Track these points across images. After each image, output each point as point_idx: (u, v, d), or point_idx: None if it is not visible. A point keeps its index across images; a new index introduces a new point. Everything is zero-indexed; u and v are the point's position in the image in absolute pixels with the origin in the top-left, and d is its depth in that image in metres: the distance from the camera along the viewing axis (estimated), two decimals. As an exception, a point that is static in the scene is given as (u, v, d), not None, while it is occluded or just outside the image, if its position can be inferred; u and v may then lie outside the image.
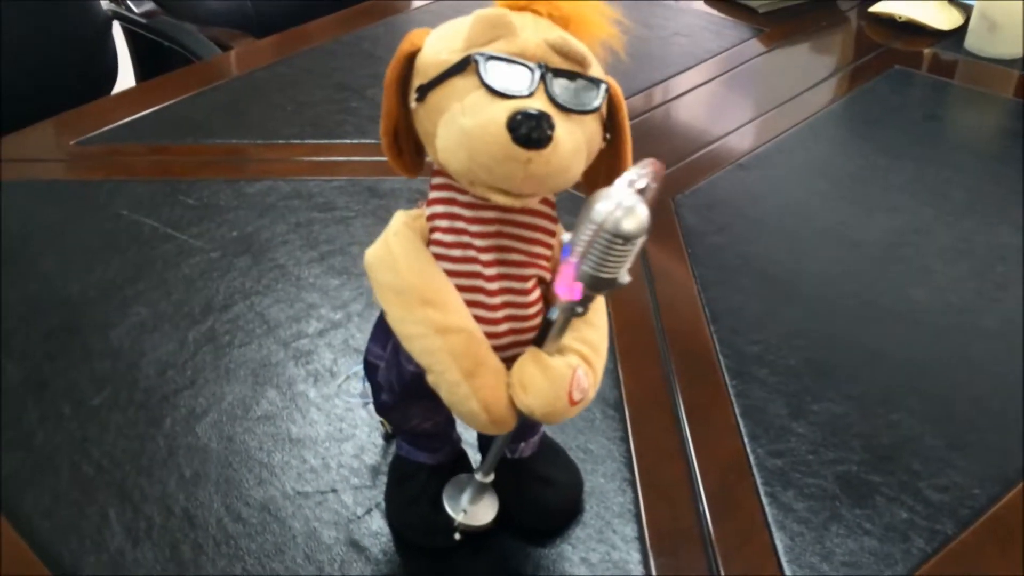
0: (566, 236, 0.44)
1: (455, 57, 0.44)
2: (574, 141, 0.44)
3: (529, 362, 0.47)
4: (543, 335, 0.48)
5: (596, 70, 0.46)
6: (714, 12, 1.33)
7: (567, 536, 0.59)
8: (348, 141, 1.01)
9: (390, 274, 0.47)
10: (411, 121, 0.47)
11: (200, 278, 0.80)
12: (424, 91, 0.45)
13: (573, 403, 0.47)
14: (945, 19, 1.24)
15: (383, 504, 0.60)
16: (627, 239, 0.42)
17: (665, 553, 0.58)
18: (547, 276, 0.49)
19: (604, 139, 0.47)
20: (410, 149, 0.49)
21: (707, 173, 0.95)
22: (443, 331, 0.46)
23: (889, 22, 1.27)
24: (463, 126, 0.43)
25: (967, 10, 1.23)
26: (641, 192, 0.42)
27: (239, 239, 0.85)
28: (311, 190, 0.93)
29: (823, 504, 0.60)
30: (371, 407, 0.68)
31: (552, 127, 0.42)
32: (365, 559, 0.57)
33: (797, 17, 1.29)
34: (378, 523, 0.59)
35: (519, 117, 0.41)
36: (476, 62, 0.43)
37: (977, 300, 0.78)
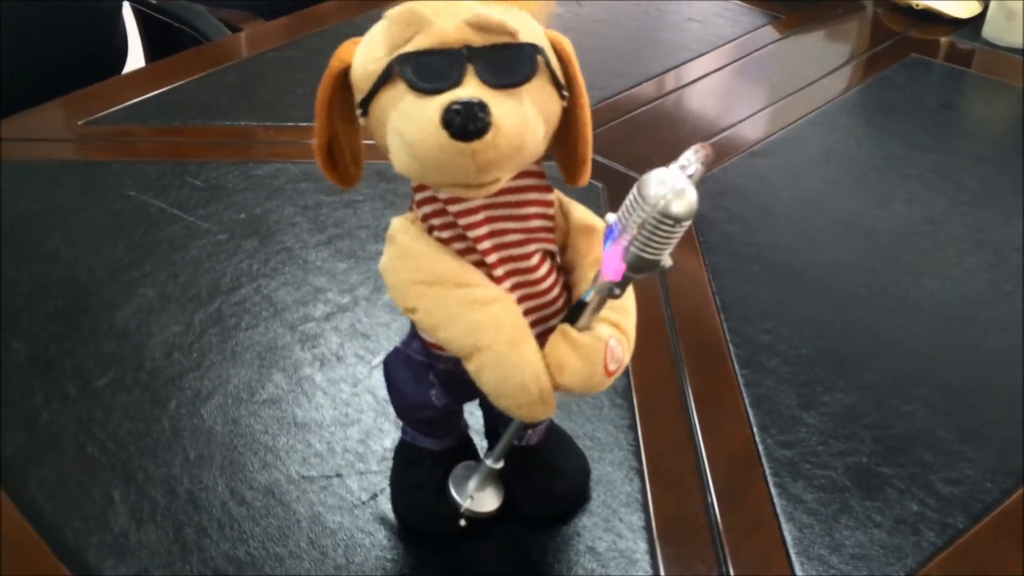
0: (611, 216, 0.43)
1: (380, 66, 0.43)
2: (518, 117, 0.42)
3: (560, 341, 0.46)
4: (575, 315, 0.47)
5: (528, 32, 0.44)
6: (728, -2, 1.31)
7: (573, 524, 0.58)
8: (357, 124, 1.00)
9: (414, 270, 0.46)
10: (347, 133, 0.47)
11: (207, 260, 0.80)
12: (365, 105, 0.44)
13: (610, 374, 0.46)
14: (963, 7, 1.23)
15: (388, 489, 0.60)
16: (676, 221, 0.41)
17: (672, 543, 0.57)
18: (552, 248, 0.48)
19: (563, 97, 0.45)
20: (344, 162, 0.48)
21: (720, 161, 0.94)
22: (483, 303, 0.45)
23: (906, 10, 1.25)
24: (403, 134, 0.42)
25: (985, -2, 1.22)
26: (690, 177, 0.42)
27: (247, 221, 0.85)
28: (319, 173, 0.91)
29: (833, 496, 0.60)
30: (382, 390, 0.67)
31: (486, 111, 0.40)
32: (370, 544, 0.57)
33: (813, 4, 1.28)
34: (383, 508, 0.59)
35: (451, 112, 0.40)
36: (397, 67, 0.42)
37: (991, 291, 0.77)
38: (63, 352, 0.71)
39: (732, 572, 0.55)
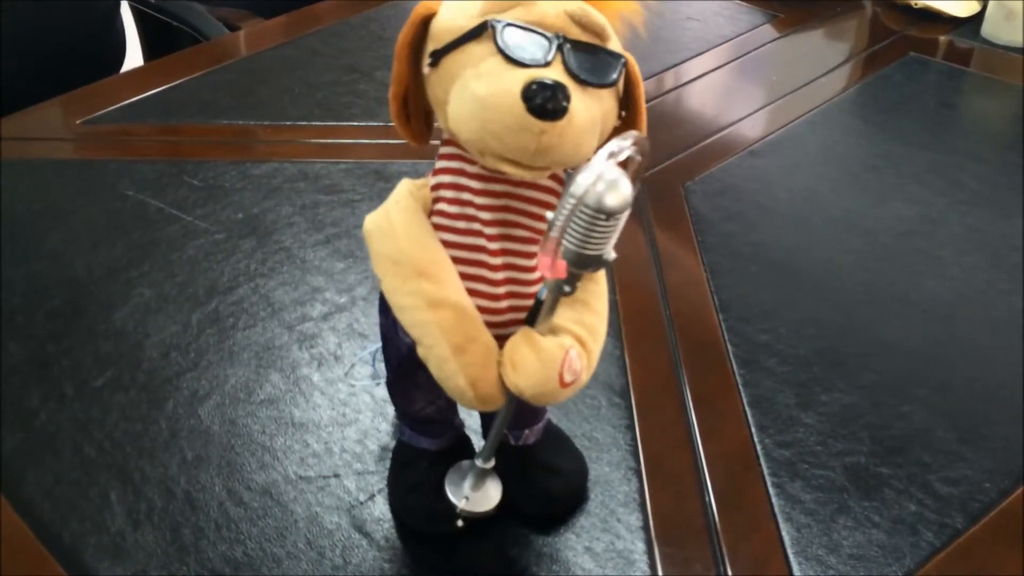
0: (549, 214, 0.43)
1: (471, 23, 0.43)
2: (589, 115, 0.43)
3: (520, 341, 0.46)
4: (534, 315, 0.47)
5: (615, 44, 0.45)
6: (727, -3, 1.31)
7: (571, 524, 0.58)
8: (355, 123, 1.00)
9: (388, 243, 0.46)
10: (421, 87, 0.46)
11: (205, 260, 0.80)
12: (438, 56, 0.44)
13: (564, 385, 0.46)
14: (962, 6, 1.23)
15: (386, 490, 0.59)
16: (610, 215, 0.41)
17: (670, 543, 0.57)
18: None
19: (619, 116, 0.46)
20: (418, 116, 0.48)
21: (718, 159, 0.94)
22: (435, 305, 0.45)
23: (905, 8, 1.25)
24: (476, 93, 0.42)
25: (985, -3, 1.22)
26: (624, 165, 0.41)
27: (244, 221, 0.85)
28: (317, 172, 0.92)
29: (831, 496, 0.60)
30: (381, 388, 0.67)
31: (568, 98, 0.41)
32: (367, 545, 0.57)
33: (812, 2, 1.28)
34: (380, 509, 0.59)
35: (535, 87, 0.40)
36: (493, 28, 0.42)
37: (990, 291, 0.77)
38: (61, 352, 0.70)
39: (730, 572, 0.55)
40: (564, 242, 0.42)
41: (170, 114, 1.02)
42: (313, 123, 1.01)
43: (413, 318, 0.46)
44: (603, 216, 0.41)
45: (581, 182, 0.41)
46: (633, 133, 0.42)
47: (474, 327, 0.46)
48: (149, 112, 1.03)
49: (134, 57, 1.49)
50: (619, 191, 0.40)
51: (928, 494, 0.60)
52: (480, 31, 0.42)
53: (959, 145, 0.97)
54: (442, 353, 0.45)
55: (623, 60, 0.44)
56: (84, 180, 0.91)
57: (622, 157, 0.41)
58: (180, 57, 1.17)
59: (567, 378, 0.46)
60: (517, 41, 0.42)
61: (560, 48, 0.42)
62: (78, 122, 1.01)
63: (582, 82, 0.42)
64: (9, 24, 1.27)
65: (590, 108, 0.43)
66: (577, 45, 0.43)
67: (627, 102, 0.46)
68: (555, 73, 0.42)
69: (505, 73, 0.41)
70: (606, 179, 0.40)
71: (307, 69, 1.11)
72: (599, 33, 0.43)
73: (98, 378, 0.68)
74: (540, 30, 0.42)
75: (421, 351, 0.46)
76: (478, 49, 0.42)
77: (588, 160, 0.44)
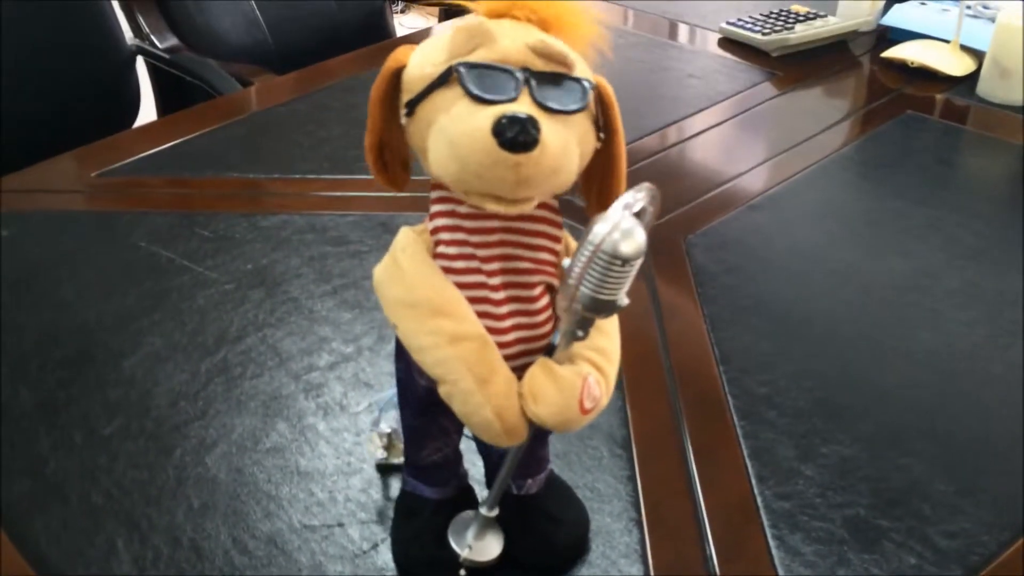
0: (566, 261, 0.45)
1: (438, 70, 0.45)
2: (563, 141, 0.44)
3: (539, 372, 0.47)
4: (549, 356, 0.48)
5: (582, 69, 0.46)
6: (728, 55, 1.34)
7: (573, 575, 0.58)
8: (362, 177, 1.02)
9: (400, 288, 0.48)
10: (395, 136, 0.48)
11: (214, 310, 0.81)
12: (412, 106, 0.45)
13: (585, 411, 0.47)
14: (957, 65, 1.25)
15: (389, 539, 0.60)
16: (625, 261, 0.42)
17: (671, 594, 0.57)
18: (555, 282, 0.49)
19: (598, 139, 0.47)
20: (395, 164, 0.50)
21: (719, 214, 0.96)
22: (456, 340, 0.47)
23: (901, 67, 1.28)
24: (450, 136, 0.43)
25: (979, 56, 1.24)
26: (638, 215, 0.43)
27: (254, 272, 0.86)
28: (325, 224, 0.94)
29: (831, 548, 0.60)
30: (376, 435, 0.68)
31: (538, 129, 0.42)
32: (370, 594, 0.57)
33: (810, 61, 1.31)
34: (384, 558, 0.59)
35: (504, 121, 0.42)
36: (458, 72, 0.44)
37: (987, 345, 0.78)
38: (70, 400, 0.72)
39: (730, 624, 0.55)
40: (581, 288, 0.44)
41: (182, 167, 1.05)
42: (321, 176, 1.03)
43: (435, 356, 0.47)
44: (619, 263, 0.42)
45: (598, 231, 0.42)
46: (646, 185, 0.44)
47: (496, 359, 0.47)
48: (162, 165, 1.05)
49: (148, 111, 1.52)
50: (634, 239, 0.42)
51: (927, 547, 0.60)
52: (447, 76, 0.44)
53: (956, 201, 0.98)
54: (467, 387, 0.46)
55: (590, 84, 0.46)
56: (97, 231, 0.93)
57: (637, 208, 0.43)
58: (192, 112, 1.20)
59: (587, 405, 0.47)
60: (483, 81, 0.44)
61: (526, 81, 0.44)
62: (93, 175, 1.04)
63: (551, 111, 0.44)
64: (27, 80, 1.31)
65: (563, 135, 0.44)
66: (542, 76, 0.44)
67: (605, 124, 0.48)
68: (523, 106, 0.43)
69: (475, 113, 0.43)
70: (622, 228, 0.42)
71: (316, 123, 1.14)
72: (562, 61, 0.45)
73: (107, 426, 0.69)
74: (504, 66, 0.44)
75: (444, 389, 0.47)
76: (448, 94, 0.44)
77: (569, 184, 0.46)
